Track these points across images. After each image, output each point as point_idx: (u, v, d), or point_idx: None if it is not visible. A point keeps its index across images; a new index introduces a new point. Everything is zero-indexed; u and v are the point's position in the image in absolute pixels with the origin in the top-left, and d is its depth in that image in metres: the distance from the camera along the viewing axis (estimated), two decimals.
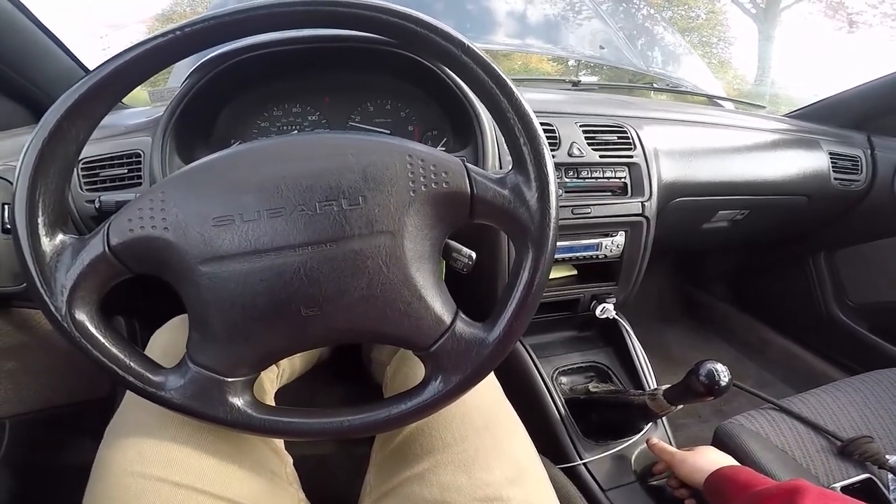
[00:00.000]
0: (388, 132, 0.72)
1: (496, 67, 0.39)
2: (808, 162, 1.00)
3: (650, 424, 0.79)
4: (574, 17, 1.45)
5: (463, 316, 0.40)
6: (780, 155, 0.98)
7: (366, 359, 0.84)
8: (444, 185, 0.38)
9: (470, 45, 0.38)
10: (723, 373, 0.57)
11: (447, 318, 0.39)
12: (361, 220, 0.36)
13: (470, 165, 0.40)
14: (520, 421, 0.56)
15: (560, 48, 1.30)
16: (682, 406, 0.66)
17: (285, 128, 0.71)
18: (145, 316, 0.87)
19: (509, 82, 0.39)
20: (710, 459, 0.65)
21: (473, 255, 0.46)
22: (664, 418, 0.81)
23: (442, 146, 0.72)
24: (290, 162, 0.37)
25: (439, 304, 0.39)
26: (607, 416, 0.80)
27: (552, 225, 0.38)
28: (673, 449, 0.71)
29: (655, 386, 0.76)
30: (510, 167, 0.41)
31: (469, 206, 0.39)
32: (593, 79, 1.09)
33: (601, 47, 1.26)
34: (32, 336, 0.70)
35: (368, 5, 0.37)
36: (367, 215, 0.36)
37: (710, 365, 0.58)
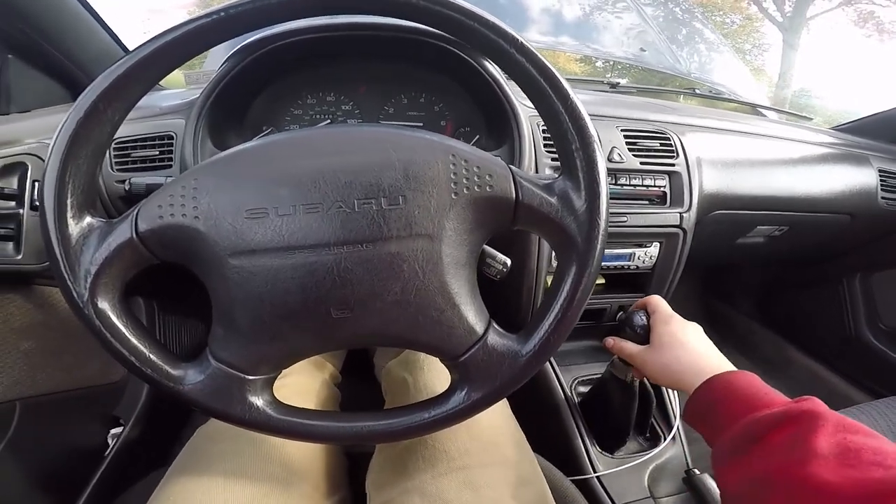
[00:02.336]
0: (421, 125, 0.71)
1: (551, 67, 0.37)
2: (856, 179, 0.95)
3: (667, 441, 0.77)
4: (613, 17, 1.40)
5: (496, 326, 0.39)
6: (825, 170, 0.93)
7: (371, 359, 0.83)
8: (487, 188, 0.36)
9: (524, 41, 0.36)
10: (643, 316, 0.58)
11: (480, 329, 0.37)
12: (400, 222, 0.34)
13: (515, 169, 0.37)
14: (524, 436, 0.55)
15: (598, 48, 1.26)
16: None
17: (318, 116, 0.69)
18: (165, 299, 0.87)
19: (564, 83, 0.36)
20: (682, 357, 0.50)
21: (509, 261, 0.44)
22: (681, 433, 0.79)
23: (474, 143, 0.70)
24: (329, 155, 0.35)
25: (472, 314, 0.37)
26: (601, 408, 0.77)
27: (600, 238, 0.36)
28: (630, 347, 0.58)
29: (677, 400, 0.77)
30: (557, 172, 0.39)
31: (512, 212, 0.37)
32: (624, 80, 1.06)
33: (642, 49, 1.22)
34: (52, 316, 0.70)
35: None
36: (407, 216, 0.34)
37: (632, 315, 0.59)
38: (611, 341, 0.62)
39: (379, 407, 0.62)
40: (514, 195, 0.36)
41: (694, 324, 0.56)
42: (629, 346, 0.58)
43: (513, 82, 0.60)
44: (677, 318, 0.56)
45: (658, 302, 0.59)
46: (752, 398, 0.41)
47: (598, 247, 0.36)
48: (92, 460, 0.77)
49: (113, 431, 0.82)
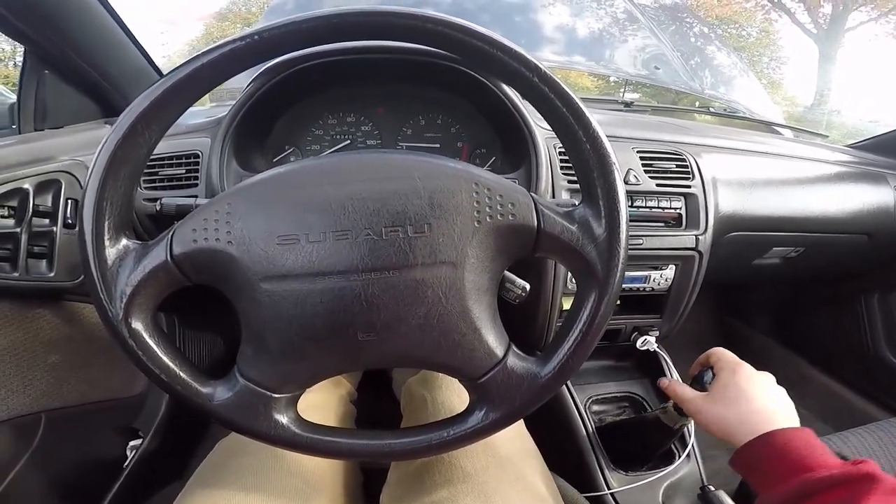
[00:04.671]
0: (438, 146, 0.72)
1: (572, 95, 0.37)
2: (872, 197, 0.94)
3: (681, 458, 0.77)
4: (626, 35, 1.41)
5: (515, 349, 0.39)
6: (842, 189, 0.92)
7: (388, 375, 0.84)
8: (509, 216, 0.37)
9: (545, 69, 0.37)
10: (710, 372, 0.56)
11: (500, 352, 0.38)
12: (425, 249, 0.35)
13: (537, 197, 0.38)
14: (540, 454, 0.56)
15: (613, 67, 1.27)
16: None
17: (339, 137, 0.71)
18: (186, 314, 0.89)
19: (586, 112, 0.37)
20: (744, 411, 0.48)
21: (527, 286, 0.45)
22: (695, 447, 0.78)
23: (489, 166, 0.71)
24: (357, 182, 0.36)
25: (493, 337, 0.38)
26: (629, 439, 0.78)
27: (620, 266, 0.37)
28: (688, 392, 0.55)
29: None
30: (573, 195, 0.39)
31: (534, 240, 0.38)
32: (636, 96, 1.06)
33: (656, 67, 1.23)
34: (78, 330, 0.71)
35: (440, 21, 0.36)
36: (431, 244, 0.35)
37: (712, 372, 0.56)
38: (665, 382, 0.59)
39: (393, 422, 0.63)
40: (535, 223, 0.37)
41: (765, 374, 0.52)
42: (685, 391, 0.55)
43: (528, 103, 0.61)
44: (745, 368, 0.52)
45: (722, 352, 0.57)
46: (808, 457, 0.41)
47: (618, 275, 0.37)
48: (111, 471, 0.78)
49: (132, 443, 0.83)
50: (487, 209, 0.36)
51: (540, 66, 0.37)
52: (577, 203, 0.40)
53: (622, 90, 1.31)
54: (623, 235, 0.37)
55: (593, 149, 0.37)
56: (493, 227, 0.36)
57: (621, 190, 0.37)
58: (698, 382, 0.56)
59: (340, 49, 0.60)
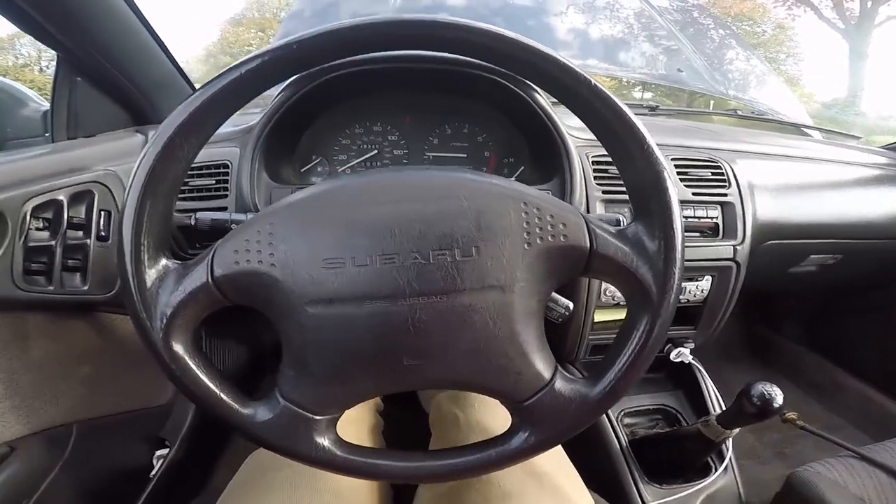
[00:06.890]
0: (465, 156, 0.71)
1: (624, 108, 0.36)
2: None
3: (719, 471, 0.74)
4: (648, 37, 1.39)
5: (563, 371, 0.38)
6: (881, 193, 0.90)
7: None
8: (561, 238, 0.35)
9: (597, 84, 0.36)
10: (776, 393, 0.56)
11: (547, 375, 0.37)
12: (473, 274, 0.34)
13: (588, 216, 0.37)
14: (577, 472, 0.55)
15: (636, 70, 1.24)
16: (737, 430, 0.64)
17: (365, 146, 0.70)
18: (211, 324, 0.89)
19: (639, 125, 0.36)
20: None
21: (571, 305, 0.44)
22: (732, 460, 0.76)
23: (517, 175, 0.70)
24: (402, 203, 0.35)
25: (540, 361, 0.37)
26: (665, 453, 0.76)
27: (675, 289, 0.36)
28: None
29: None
30: (623, 214, 0.38)
31: (585, 262, 0.36)
32: (648, 96, 1.04)
33: (679, 70, 1.20)
34: (111, 341, 0.72)
35: (486, 33, 0.35)
36: (480, 268, 0.34)
37: (761, 386, 0.56)
38: None
39: (419, 433, 0.62)
40: (588, 245, 0.36)
41: None
42: None
43: (558, 110, 0.59)
44: None
45: None
46: None
47: (672, 297, 0.36)
48: (138, 481, 0.79)
49: (158, 453, 0.84)
50: (538, 230, 0.35)
51: (591, 79, 0.36)
52: (623, 220, 0.39)
53: (641, 93, 1.28)
54: (679, 257, 0.36)
55: (648, 165, 0.36)
56: (543, 250, 0.35)
57: (677, 209, 0.36)
58: (745, 395, 0.56)
59: (374, 58, 0.59)
